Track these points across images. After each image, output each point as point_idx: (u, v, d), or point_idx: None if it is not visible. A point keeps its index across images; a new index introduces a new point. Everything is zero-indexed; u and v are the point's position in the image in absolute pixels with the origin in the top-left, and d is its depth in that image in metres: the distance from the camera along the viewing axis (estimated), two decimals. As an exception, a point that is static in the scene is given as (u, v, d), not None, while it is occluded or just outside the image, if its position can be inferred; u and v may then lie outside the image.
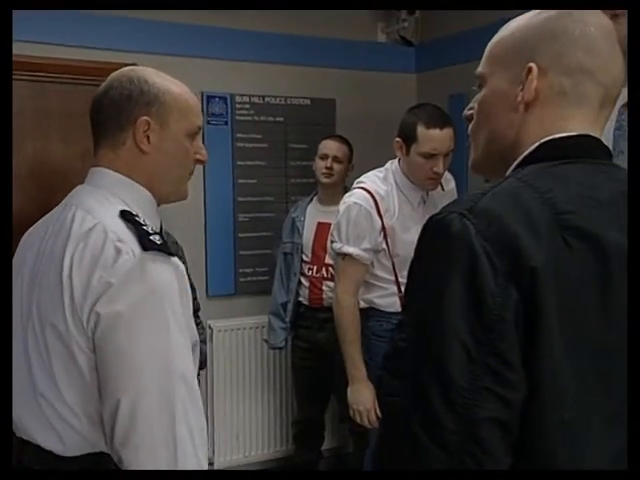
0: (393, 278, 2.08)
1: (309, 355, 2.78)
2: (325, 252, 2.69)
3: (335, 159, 2.71)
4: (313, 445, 2.93)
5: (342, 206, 2.08)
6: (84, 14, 2.61)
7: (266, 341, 2.93)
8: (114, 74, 1.14)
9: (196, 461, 0.97)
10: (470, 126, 0.88)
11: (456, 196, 2.25)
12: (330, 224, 2.69)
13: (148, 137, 1.09)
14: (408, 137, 2.00)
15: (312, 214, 2.79)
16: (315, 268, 2.74)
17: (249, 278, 3.09)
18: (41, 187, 2.57)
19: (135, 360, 0.96)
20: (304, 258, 2.77)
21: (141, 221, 1.03)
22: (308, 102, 3.18)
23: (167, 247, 1.02)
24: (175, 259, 1.03)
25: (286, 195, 3.14)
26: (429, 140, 1.97)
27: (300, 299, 2.78)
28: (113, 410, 0.95)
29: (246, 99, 3.05)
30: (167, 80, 1.14)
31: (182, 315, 1.00)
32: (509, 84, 0.82)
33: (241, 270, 3.07)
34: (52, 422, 1.02)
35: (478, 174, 0.93)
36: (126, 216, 1.03)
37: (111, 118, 1.09)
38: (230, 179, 3.04)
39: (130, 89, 1.09)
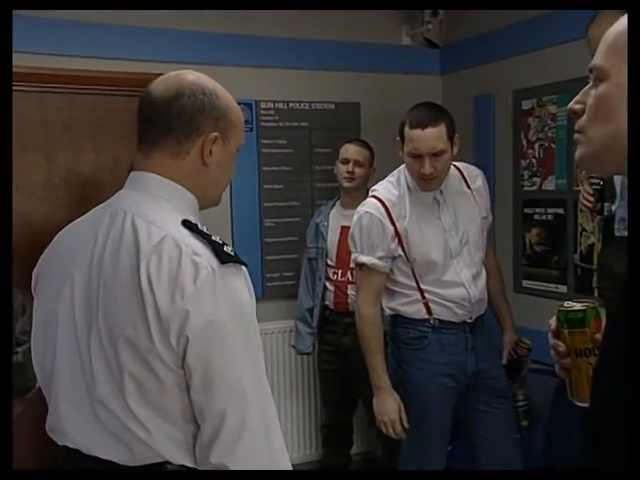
0: (414, 284, 2.05)
1: (335, 359, 2.78)
2: (350, 256, 2.69)
3: (356, 163, 2.72)
4: (342, 449, 2.92)
5: (355, 216, 2.08)
6: (111, 26, 2.66)
7: (294, 347, 2.94)
8: (176, 79, 1.10)
9: (285, 462, 1.03)
10: (581, 121, 0.83)
11: (485, 194, 2.17)
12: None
13: (211, 151, 1.09)
14: (401, 137, 2.01)
15: (336, 218, 2.79)
16: (340, 272, 2.74)
17: (276, 283, 3.10)
18: (72, 197, 2.63)
19: (235, 374, 0.98)
20: (329, 262, 2.78)
21: (205, 230, 1.03)
22: (332, 106, 3.18)
23: (239, 257, 1.02)
24: (245, 268, 1.04)
25: (312, 200, 3.15)
26: (411, 140, 1.96)
27: (326, 303, 2.78)
28: (217, 422, 0.97)
29: (271, 105, 3.07)
30: (226, 93, 1.13)
31: (256, 323, 1.03)
32: None
33: (268, 275, 3.09)
34: (112, 429, 1.00)
35: (585, 169, 0.88)
36: (190, 226, 1.02)
37: (180, 126, 1.07)
38: (256, 185, 3.06)
39: (203, 101, 1.08)
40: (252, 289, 1.04)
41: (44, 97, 2.59)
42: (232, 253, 1.01)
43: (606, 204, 2.02)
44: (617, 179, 2.05)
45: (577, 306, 0.92)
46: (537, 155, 2.86)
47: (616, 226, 2.06)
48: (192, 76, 1.11)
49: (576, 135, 0.84)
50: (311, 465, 3.12)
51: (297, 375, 3.14)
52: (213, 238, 1.01)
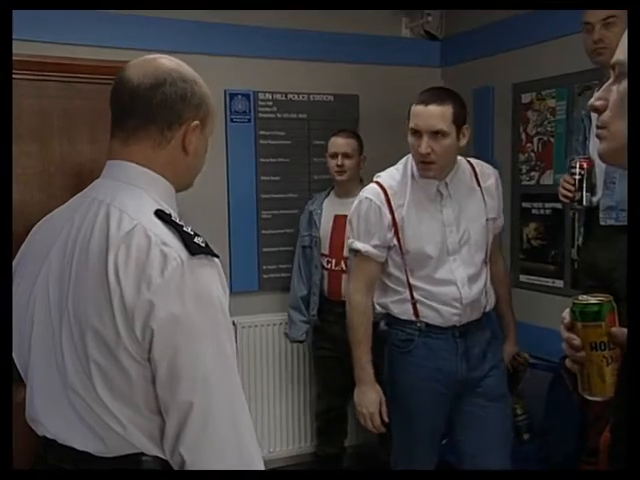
0: (405, 278, 1.97)
1: (330, 347, 2.78)
2: (343, 245, 2.68)
3: (345, 155, 2.73)
4: (336, 439, 2.93)
5: (356, 200, 2.04)
6: (108, 15, 2.63)
7: (286, 335, 2.94)
8: (153, 65, 1.08)
9: (257, 459, 1.00)
10: (603, 116, 0.84)
11: (496, 195, 2.05)
12: (347, 216, 2.69)
13: (191, 139, 1.09)
14: (408, 118, 1.97)
15: (329, 207, 2.79)
16: (334, 261, 2.74)
17: (272, 275, 3.09)
18: (67, 186, 2.61)
19: (201, 368, 0.96)
20: (322, 251, 2.78)
21: (178, 221, 1.01)
22: (331, 98, 3.17)
23: (210, 248, 1.01)
24: (217, 260, 1.02)
25: (309, 192, 3.13)
26: (413, 116, 1.93)
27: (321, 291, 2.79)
28: (183, 414, 0.95)
29: (269, 96, 3.05)
30: (201, 79, 1.13)
31: (228, 316, 1.02)
32: None
33: (264, 267, 3.08)
34: (86, 419, 0.99)
35: (609, 163, 0.90)
36: (162, 216, 1.00)
37: (162, 115, 1.05)
38: (253, 176, 3.05)
39: (184, 89, 1.07)
40: (224, 281, 1.03)
41: (40, 85, 2.57)
42: (203, 244, 0.99)
43: (586, 194, 2.02)
44: (600, 170, 2.04)
45: (592, 300, 0.91)
46: (536, 149, 2.85)
47: (601, 215, 2.05)
48: (170, 62, 1.09)
49: (598, 131, 0.85)
50: (306, 457, 3.13)
51: (293, 367, 3.14)
52: (184, 229, 1.00)
